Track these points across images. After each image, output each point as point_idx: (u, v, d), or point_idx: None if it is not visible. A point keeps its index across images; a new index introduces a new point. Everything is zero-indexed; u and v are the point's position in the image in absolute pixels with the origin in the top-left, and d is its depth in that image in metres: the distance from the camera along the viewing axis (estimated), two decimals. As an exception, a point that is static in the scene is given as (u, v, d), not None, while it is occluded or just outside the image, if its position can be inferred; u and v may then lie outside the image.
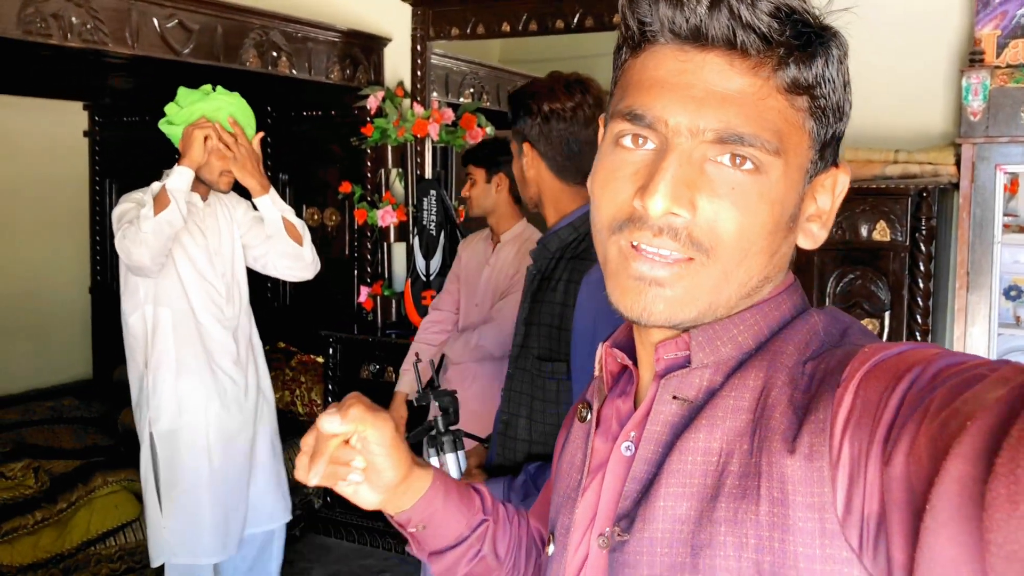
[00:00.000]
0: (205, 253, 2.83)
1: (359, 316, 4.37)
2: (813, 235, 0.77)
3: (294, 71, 3.73)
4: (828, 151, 0.75)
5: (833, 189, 0.77)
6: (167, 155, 4.91)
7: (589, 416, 0.85)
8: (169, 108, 2.79)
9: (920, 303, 2.80)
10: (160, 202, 2.62)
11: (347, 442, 0.83)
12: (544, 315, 1.91)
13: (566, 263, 1.91)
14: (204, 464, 2.75)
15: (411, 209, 4.20)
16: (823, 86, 0.71)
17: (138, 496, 3.32)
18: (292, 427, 4.22)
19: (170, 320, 2.76)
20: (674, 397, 0.75)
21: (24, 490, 3.05)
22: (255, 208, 2.90)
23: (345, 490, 0.85)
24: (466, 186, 3.14)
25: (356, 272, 4.42)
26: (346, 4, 4.15)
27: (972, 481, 0.50)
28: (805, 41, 0.69)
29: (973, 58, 2.84)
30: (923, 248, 2.78)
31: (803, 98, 0.71)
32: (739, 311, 0.75)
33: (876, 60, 3.16)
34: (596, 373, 0.86)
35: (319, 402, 4.32)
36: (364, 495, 0.86)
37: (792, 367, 0.71)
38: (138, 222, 2.59)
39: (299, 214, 4.56)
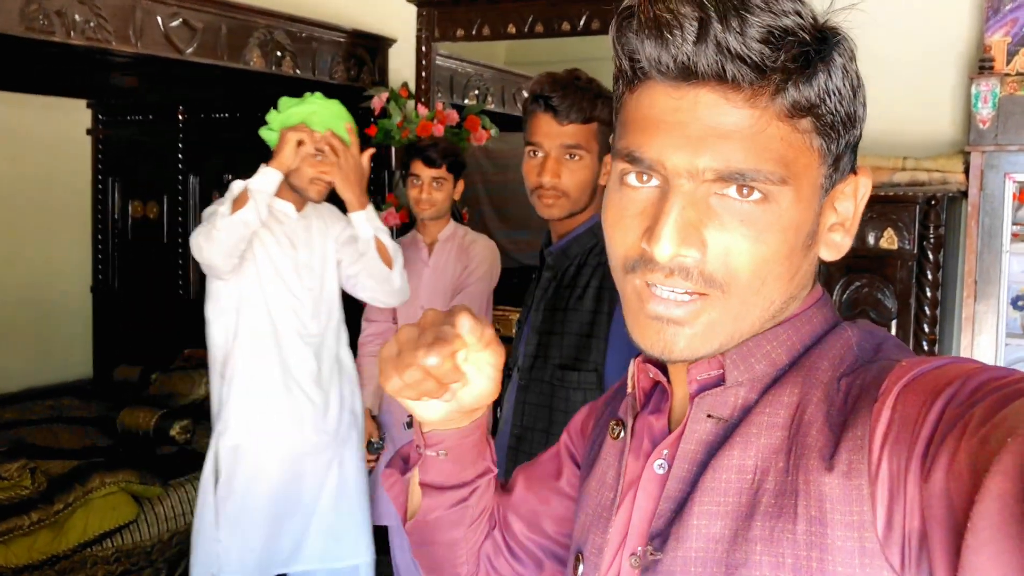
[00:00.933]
0: (293, 265, 2.70)
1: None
2: (836, 245, 0.75)
3: (298, 71, 3.71)
4: (844, 161, 0.72)
5: (855, 195, 0.75)
6: (171, 154, 4.92)
7: (623, 434, 0.83)
8: (269, 115, 2.70)
9: (927, 312, 2.77)
10: (240, 201, 2.52)
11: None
12: (570, 323, 1.85)
13: (593, 269, 1.85)
14: (265, 483, 2.64)
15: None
16: (828, 101, 0.68)
17: (136, 498, 3.30)
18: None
19: (248, 332, 2.66)
20: (708, 416, 0.73)
21: (20, 491, 3.03)
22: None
23: (415, 399, 0.78)
24: (427, 187, 3.08)
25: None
26: (351, 4, 4.14)
27: (1014, 499, 0.49)
28: (803, 62, 0.66)
29: (983, 65, 2.81)
30: (931, 256, 2.76)
31: (806, 119, 0.68)
32: (772, 328, 0.74)
33: (884, 67, 3.13)
34: (629, 390, 0.85)
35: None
36: (434, 407, 0.82)
37: (827, 383, 0.69)
38: (213, 218, 2.52)
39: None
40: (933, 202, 2.75)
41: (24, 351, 4.92)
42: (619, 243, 0.73)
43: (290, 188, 2.68)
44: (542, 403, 1.87)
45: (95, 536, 3.13)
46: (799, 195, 0.69)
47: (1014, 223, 2.87)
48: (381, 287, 2.75)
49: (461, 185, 3.17)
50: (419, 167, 3.08)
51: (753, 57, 0.64)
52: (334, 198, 2.72)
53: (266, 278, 2.66)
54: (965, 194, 2.81)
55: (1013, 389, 0.55)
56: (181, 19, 3.17)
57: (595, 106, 1.84)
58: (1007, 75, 2.80)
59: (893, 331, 2.80)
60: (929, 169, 2.89)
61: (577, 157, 1.85)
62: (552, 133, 1.85)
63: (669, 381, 0.81)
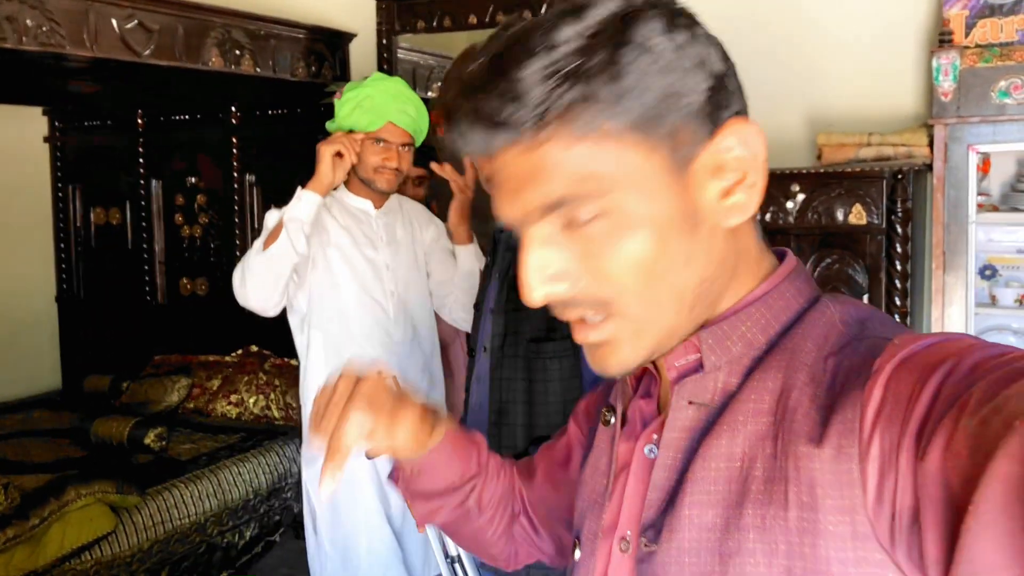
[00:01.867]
0: (372, 268, 2.49)
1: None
2: (739, 206, 0.70)
3: (258, 69, 3.67)
4: (693, 127, 0.67)
5: (745, 143, 0.69)
6: (131, 159, 4.84)
7: (614, 420, 0.84)
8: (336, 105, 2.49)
9: (898, 285, 2.79)
10: (277, 233, 2.32)
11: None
12: None
13: None
14: (359, 504, 2.51)
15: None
16: (626, 100, 0.65)
17: (114, 508, 3.25)
18: (268, 433, 4.17)
19: (322, 343, 2.49)
20: (690, 402, 0.73)
21: (-6, 507, 2.97)
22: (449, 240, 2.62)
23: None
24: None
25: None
26: (309, 0, 4.09)
27: (1020, 483, 0.48)
28: (587, 88, 0.64)
29: (942, 39, 2.83)
30: (899, 230, 2.78)
31: (605, 126, 0.65)
32: (743, 306, 0.73)
33: (845, 44, 3.15)
34: (619, 377, 0.85)
35: (295, 405, 4.25)
36: (378, 447, 0.91)
37: (812, 364, 0.68)
38: (247, 256, 2.34)
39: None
40: (899, 176, 2.77)
41: (-10, 365, 4.84)
42: None
43: (362, 183, 2.50)
44: (519, 376, 1.93)
45: (73, 550, 3.08)
46: (638, 192, 0.67)
47: (979, 193, 2.91)
48: (468, 317, 2.53)
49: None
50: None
51: (507, 121, 0.66)
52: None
53: (344, 284, 2.47)
54: (930, 167, 2.84)
55: (1013, 368, 0.55)
56: (136, 21, 3.11)
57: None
58: (966, 47, 2.82)
59: (865, 306, 2.83)
60: (894, 144, 2.92)
61: None
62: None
63: (656, 366, 0.80)
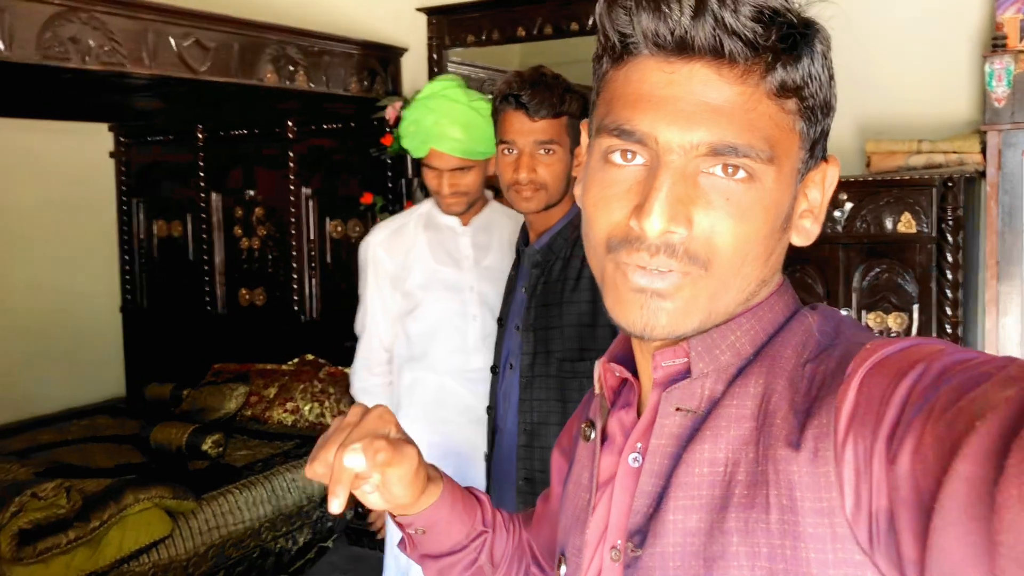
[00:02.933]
0: (452, 289, 2.34)
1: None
2: (806, 231, 0.76)
3: (312, 85, 3.75)
4: (818, 148, 0.74)
5: (823, 183, 0.76)
6: (191, 173, 4.98)
7: (593, 435, 0.84)
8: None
9: (949, 295, 2.74)
10: None
11: None
12: (568, 316, 1.88)
13: (583, 260, 1.87)
14: None
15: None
16: (810, 85, 0.70)
17: (170, 513, 3.35)
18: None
19: (396, 368, 2.43)
20: (677, 409, 0.74)
21: (57, 510, 3.08)
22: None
23: (355, 492, 0.85)
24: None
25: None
26: (362, 16, 4.17)
27: (981, 482, 0.50)
28: (791, 43, 0.67)
29: (996, 43, 2.78)
30: (950, 239, 2.73)
31: (792, 100, 0.69)
32: (735, 316, 0.75)
33: (896, 50, 3.11)
34: (596, 391, 0.86)
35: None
36: (373, 501, 0.87)
37: (791, 370, 0.70)
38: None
39: (322, 227, 4.63)
40: (950, 184, 2.72)
41: (58, 373, 5.02)
42: (602, 222, 0.72)
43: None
44: (552, 397, 1.89)
45: (131, 552, 3.17)
46: (780, 176, 0.70)
47: (1034, 201, 2.84)
48: None
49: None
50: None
51: (747, 34, 0.65)
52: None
53: (420, 302, 2.36)
54: (983, 174, 2.78)
55: (978, 372, 0.56)
56: (193, 39, 3.21)
57: (564, 100, 1.89)
58: (1021, 52, 2.76)
59: (915, 316, 2.77)
60: (945, 151, 2.87)
61: (551, 151, 1.90)
62: (524, 130, 1.89)
63: (636, 376, 0.81)
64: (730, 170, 0.68)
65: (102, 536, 3.14)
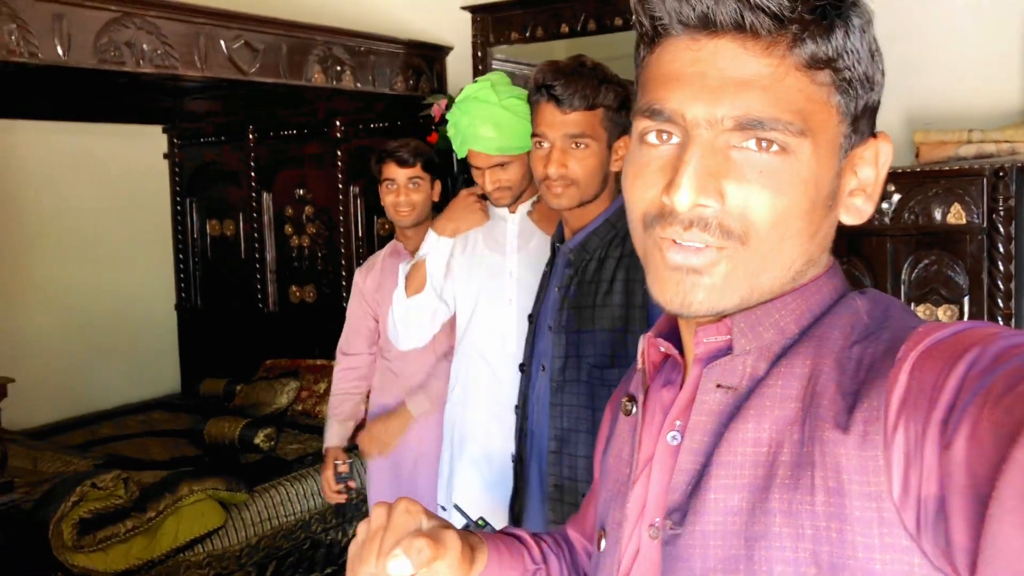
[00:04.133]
0: (492, 273, 2.37)
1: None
2: (857, 209, 0.75)
3: (358, 84, 3.81)
4: (863, 123, 0.73)
5: (876, 160, 0.75)
6: (244, 173, 5.09)
7: (635, 409, 0.84)
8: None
9: (1001, 286, 2.69)
10: (415, 278, 2.38)
11: None
12: (600, 319, 1.79)
13: (617, 262, 1.80)
14: None
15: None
16: (845, 58, 0.69)
17: (223, 504, 3.43)
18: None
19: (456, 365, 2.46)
20: (718, 386, 0.74)
21: (115, 500, 3.17)
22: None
23: None
24: (403, 189, 2.77)
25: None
26: (407, 16, 4.22)
27: None
28: (820, 14, 0.67)
29: (1048, 30, 2.72)
30: (1002, 229, 2.68)
31: (824, 72, 0.69)
32: (781, 295, 0.74)
33: (945, 39, 3.06)
34: (639, 366, 0.85)
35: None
36: None
37: (838, 352, 0.69)
38: (392, 307, 2.44)
39: (370, 224, 4.69)
40: (1001, 174, 2.67)
41: (117, 370, 5.16)
42: (638, 199, 0.73)
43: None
44: (582, 404, 1.80)
45: (186, 542, 3.26)
46: (817, 150, 0.69)
47: (1090, 190, 2.77)
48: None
49: (439, 186, 2.90)
50: (392, 169, 2.82)
51: (771, 7, 0.65)
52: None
53: (461, 284, 2.41)
54: (1036, 164, 2.73)
55: None
56: (243, 41, 3.28)
57: (599, 92, 1.80)
58: (1074, 38, 2.70)
59: (966, 308, 2.73)
60: (996, 140, 2.82)
61: (583, 145, 1.81)
62: (556, 123, 1.81)
63: (682, 354, 0.81)
64: (764, 144, 0.68)
65: (159, 526, 3.23)
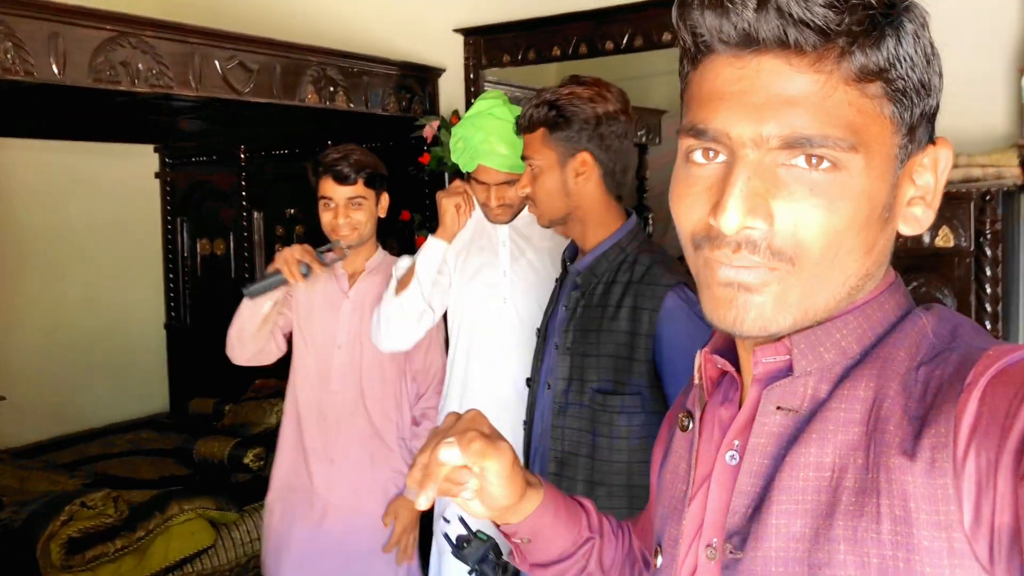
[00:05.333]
0: (484, 270, 2.41)
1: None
2: (916, 219, 0.73)
3: (351, 105, 3.83)
4: (920, 131, 0.70)
5: (935, 167, 0.72)
6: (234, 192, 5.09)
7: (692, 425, 0.82)
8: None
9: (988, 309, 2.72)
10: (407, 279, 2.38)
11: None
12: (605, 345, 1.78)
13: (624, 288, 1.78)
14: None
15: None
16: (898, 67, 0.66)
17: (213, 524, 3.41)
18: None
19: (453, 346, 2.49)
20: (778, 408, 0.72)
21: (104, 519, 3.16)
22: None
23: (456, 501, 0.87)
24: (343, 209, 2.57)
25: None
26: (400, 38, 4.25)
27: None
28: (869, 24, 0.64)
29: (1032, 57, 2.77)
30: (989, 252, 2.72)
31: (876, 84, 0.66)
32: (841, 313, 0.72)
33: (932, 64, 3.10)
34: (696, 381, 0.83)
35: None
36: (475, 508, 0.88)
37: (904, 374, 0.67)
38: (380, 305, 2.41)
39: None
40: (988, 197, 2.71)
41: (105, 388, 5.13)
42: (685, 220, 0.72)
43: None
44: (583, 427, 1.79)
45: (176, 561, 3.24)
46: (871, 163, 0.67)
47: (1075, 214, 2.81)
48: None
49: (386, 201, 2.70)
50: (330, 186, 2.61)
51: (816, 21, 0.63)
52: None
53: (455, 284, 2.43)
54: (1022, 188, 2.77)
55: None
56: (237, 61, 3.30)
57: (526, 116, 1.84)
58: (1058, 65, 2.75)
59: (954, 330, 2.76)
60: (983, 164, 2.85)
61: (536, 169, 1.86)
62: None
63: (739, 370, 0.79)
64: (814, 160, 0.66)
65: (148, 545, 3.21)
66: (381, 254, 2.75)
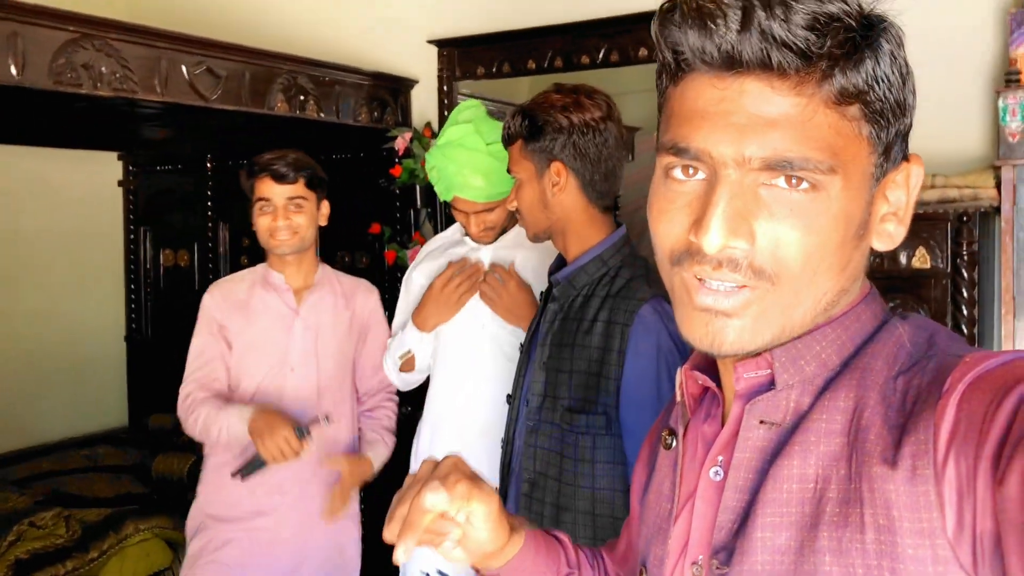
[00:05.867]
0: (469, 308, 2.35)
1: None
2: (889, 235, 0.75)
3: (322, 115, 3.76)
4: (895, 149, 0.72)
5: (907, 183, 0.74)
6: (200, 203, 4.98)
7: (675, 443, 0.83)
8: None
9: (964, 330, 2.71)
10: (406, 364, 2.44)
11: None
12: (578, 360, 1.71)
13: (602, 302, 1.72)
14: None
15: (441, 249, 4.16)
16: (876, 88, 0.68)
17: (171, 543, 3.30)
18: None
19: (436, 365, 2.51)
20: (761, 422, 0.72)
21: (55, 539, 3.04)
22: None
23: (438, 551, 0.85)
24: (282, 211, 2.38)
25: (388, 312, 4.40)
26: (373, 48, 4.19)
27: None
28: (850, 48, 0.65)
29: (1009, 79, 2.77)
30: (965, 274, 2.70)
31: (854, 106, 0.67)
32: (819, 326, 0.73)
33: (909, 85, 3.10)
34: (678, 399, 0.84)
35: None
36: (457, 556, 0.86)
37: (883, 384, 0.68)
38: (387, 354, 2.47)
39: (331, 257, 4.61)
40: (965, 218, 2.70)
41: (61, 402, 4.97)
42: (664, 236, 0.72)
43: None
44: (553, 448, 1.73)
45: (130, 583, 3.13)
46: (849, 184, 0.68)
47: (1050, 237, 2.81)
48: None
49: (326, 209, 2.56)
50: (267, 186, 2.40)
51: (798, 44, 0.64)
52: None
53: (450, 328, 2.38)
54: (998, 209, 2.76)
55: None
56: (205, 67, 3.22)
57: (506, 127, 1.84)
58: (1034, 88, 2.75)
59: (930, 352, 2.75)
60: (959, 185, 2.85)
61: (518, 182, 1.84)
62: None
63: (720, 386, 0.79)
64: (794, 181, 0.67)
65: (101, 567, 3.09)
66: (323, 266, 2.64)
